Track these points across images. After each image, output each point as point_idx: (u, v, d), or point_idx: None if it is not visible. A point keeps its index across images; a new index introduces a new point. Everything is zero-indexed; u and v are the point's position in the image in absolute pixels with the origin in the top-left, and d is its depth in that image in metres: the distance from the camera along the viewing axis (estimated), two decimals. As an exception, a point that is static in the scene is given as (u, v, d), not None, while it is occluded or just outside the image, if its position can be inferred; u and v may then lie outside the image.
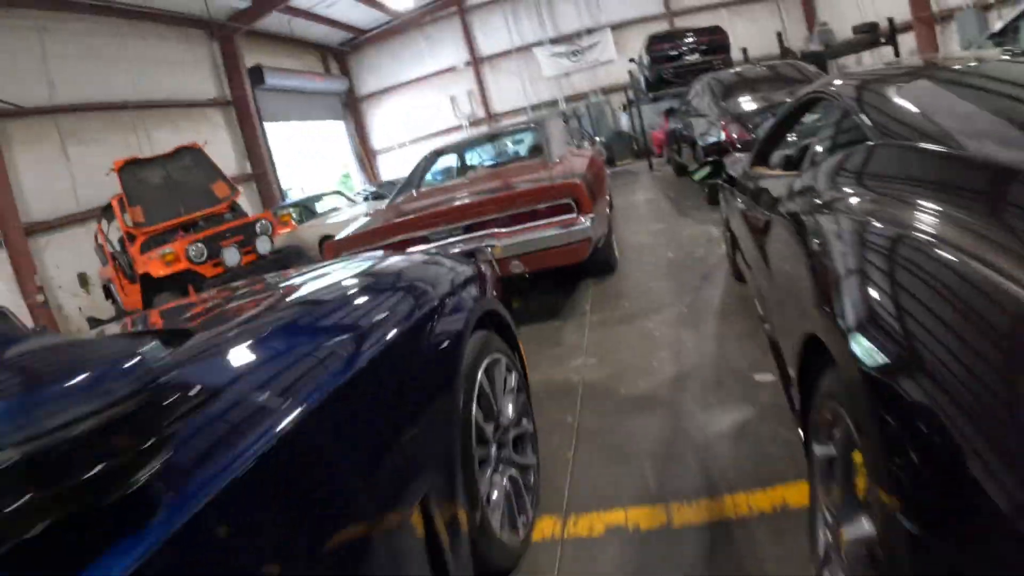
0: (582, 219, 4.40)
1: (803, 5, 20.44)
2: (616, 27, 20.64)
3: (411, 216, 4.84)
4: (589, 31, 20.82)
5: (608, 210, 6.10)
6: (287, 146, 18.69)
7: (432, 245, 4.51)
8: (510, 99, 21.52)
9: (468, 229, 4.56)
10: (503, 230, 4.47)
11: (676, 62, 13.89)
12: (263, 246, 9.38)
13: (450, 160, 8.50)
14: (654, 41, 14.14)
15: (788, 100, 3.91)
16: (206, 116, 15.41)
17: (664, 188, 10.93)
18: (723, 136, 7.15)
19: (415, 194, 6.26)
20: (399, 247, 4.49)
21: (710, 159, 7.41)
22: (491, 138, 9.56)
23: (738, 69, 9.22)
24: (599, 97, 20.87)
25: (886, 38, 14.45)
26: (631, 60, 15.86)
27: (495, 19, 21.34)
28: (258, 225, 9.49)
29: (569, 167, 5.43)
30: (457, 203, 4.87)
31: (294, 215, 13.05)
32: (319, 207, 13.42)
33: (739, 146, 6.50)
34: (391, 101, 22.54)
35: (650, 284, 5.19)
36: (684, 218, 7.79)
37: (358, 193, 16.57)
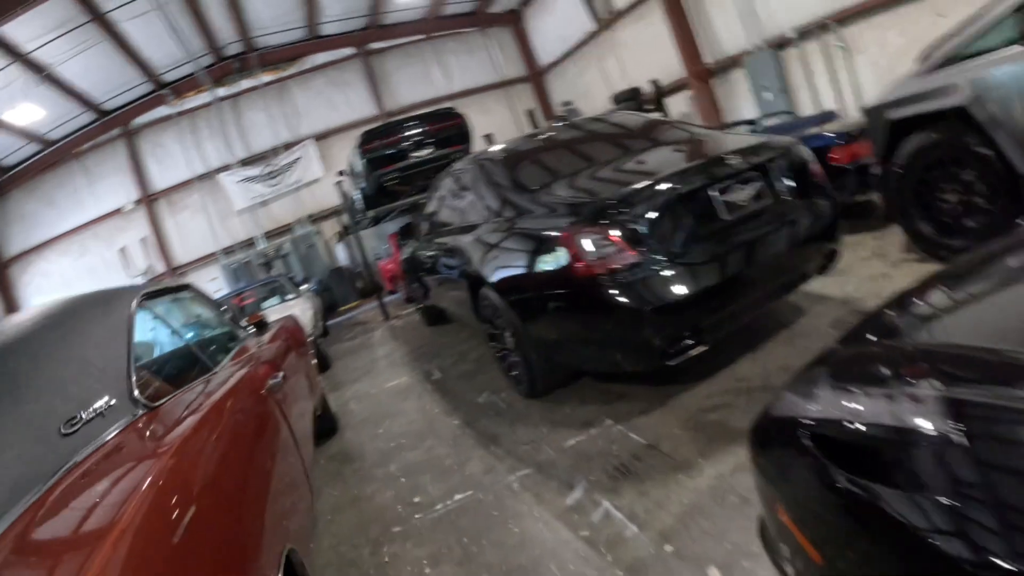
0: None
1: (534, 88, 18.06)
2: (321, 137, 16.54)
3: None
4: (287, 146, 16.37)
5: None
6: None
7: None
8: (196, 244, 16.12)
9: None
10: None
11: (400, 162, 9.80)
12: None
13: None
14: (368, 139, 9.98)
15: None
16: None
17: (418, 358, 6.38)
18: (569, 258, 3.02)
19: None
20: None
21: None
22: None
23: (532, 133, 5.06)
24: (307, 227, 16.35)
25: (653, 102, 12.04)
26: (340, 173, 11.51)
27: (170, 141, 16.07)
28: None
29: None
30: None
31: None
32: None
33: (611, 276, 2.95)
34: (47, 260, 15.70)
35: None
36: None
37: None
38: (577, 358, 3.57)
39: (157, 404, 1.80)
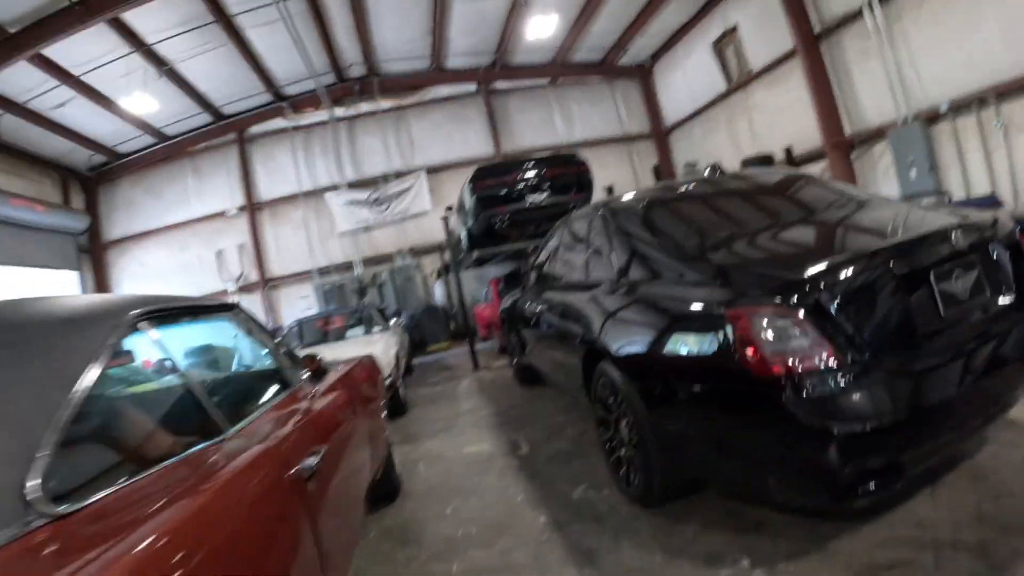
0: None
1: (657, 145, 17.43)
2: (433, 170, 16.42)
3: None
4: (398, 174, 16.32)
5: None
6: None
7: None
8: (292, 259, 16.24)
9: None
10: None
11: (514, 204, 9.31)
12: None
13: None
14: (482, 176, 9.61)
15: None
16: None
17: (506, 423, 5.71)
18: (735, 343, 2.36)
19: None
20: None
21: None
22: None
23: (672, 183, 4.42)
24: (407, 259, 16.12)
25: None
26: (448, 209, 11.16)
27: (282, 154, 16.46)
28: None
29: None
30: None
31: None
32: None
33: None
34: (145, 250, 16.24)
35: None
36: None
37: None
38: (712, 470, 2.79)
39: (76, 508, 1.09)
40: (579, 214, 4.53)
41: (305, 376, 2.80)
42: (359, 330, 8.80)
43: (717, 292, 2.50)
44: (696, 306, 2.57)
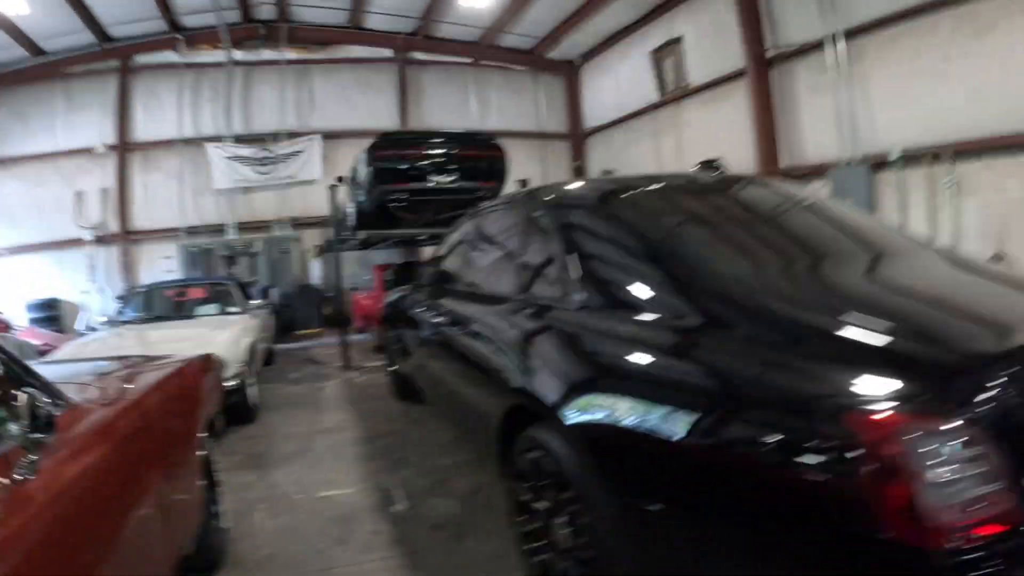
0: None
1: (573, 148, 16.74)
2: (330, 136, 14.72)
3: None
4: (291, 135, 14.57)
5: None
6: None
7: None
8: (160, 213, 14.03)
9: None
10: None
11: (414, 183, 8.02)
12: None
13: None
14: (384, 144, 8.25)
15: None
16: None
17: (378, 455, 4.46)
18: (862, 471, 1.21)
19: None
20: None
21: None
22: None
23: (651, 176, 3.36)
24: (287, 230, 14.43)
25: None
26: (338, 179, 9.66)
27: (166, 92, 14.18)
28: None
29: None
30: None
31: None
32: None
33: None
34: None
35: None
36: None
37: None
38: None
39: None
40: (511, 201, 3.39)
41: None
42: (213, 307, 7.28)
43: (811, 368, 1.43)
44: (770, 382, 1.49)
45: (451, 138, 8.59)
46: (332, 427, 5.21)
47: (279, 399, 6.47)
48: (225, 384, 4.56)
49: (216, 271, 13.04)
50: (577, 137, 16.80)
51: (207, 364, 3.13)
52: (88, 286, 13.53)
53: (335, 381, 7.26)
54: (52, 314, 12.60)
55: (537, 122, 16.50)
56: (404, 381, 5.45)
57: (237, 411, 5.24)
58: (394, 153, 8.09)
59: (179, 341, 5.22)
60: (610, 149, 15.53)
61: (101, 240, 13.81)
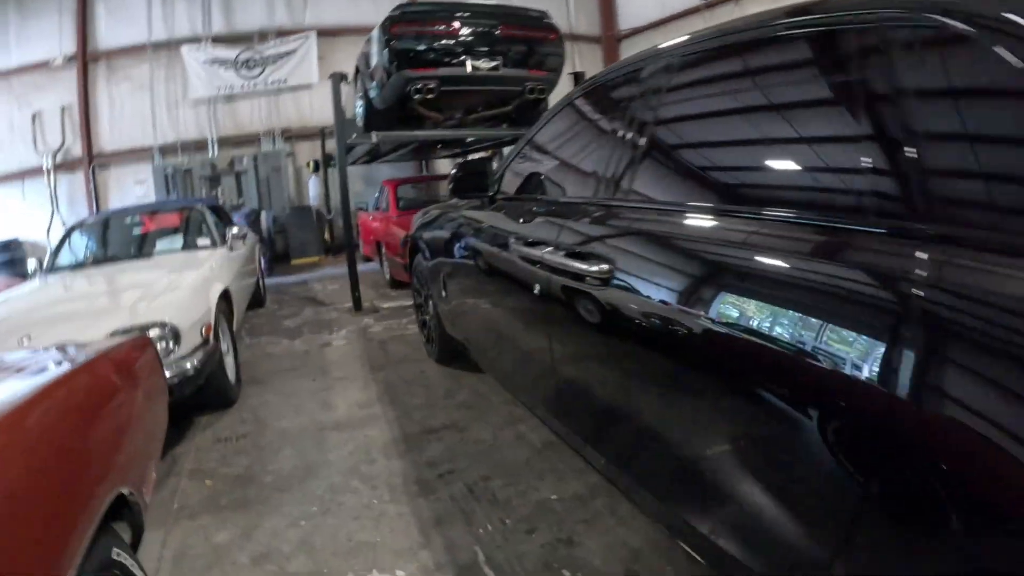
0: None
1: (605, 53, 14.66)
2: (327, 33, 12.59)
3: None
4: (281, 33, 12.44)
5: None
6: None
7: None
8: (130, 131, 12.13)
9: None
10: None
11: (443, 68, 6.07)
12: None
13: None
14: (403, 18, 6.16)
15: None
16: None
17: (425, 466, 2.76)
18: None
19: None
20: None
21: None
22: None
23: None
24: (278, 144, 12.53)
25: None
26: (341, 78, 7.60)
27: (134, -8, 12.08)
28: None
29: None
30: None
31: None
32: None
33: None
34: None
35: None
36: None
37: None
38: None
39: None
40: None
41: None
42: (177, 241, 5.46)
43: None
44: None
45: (492, 12, 6.54)
46: (350, 418, 3.46)
47: (271, 363, 4.74)
48: (179, 371, 3.08)
49: (198, 194, 11.33)
50: (610, 40, 14.71)
51: (136, 355, 1.75)
52: (51, 221, 11.70)
53: (345, 330, 5.53)
54: (12, 256, 10.71)
55: (567, 21, 14.30)
56: (442, 336, 3.77)
57: (207, 394, 3.53)
58: (417, 30, 6.07)
59: (112, 296, 3.61)
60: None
61: (64, 166, 12.05)
